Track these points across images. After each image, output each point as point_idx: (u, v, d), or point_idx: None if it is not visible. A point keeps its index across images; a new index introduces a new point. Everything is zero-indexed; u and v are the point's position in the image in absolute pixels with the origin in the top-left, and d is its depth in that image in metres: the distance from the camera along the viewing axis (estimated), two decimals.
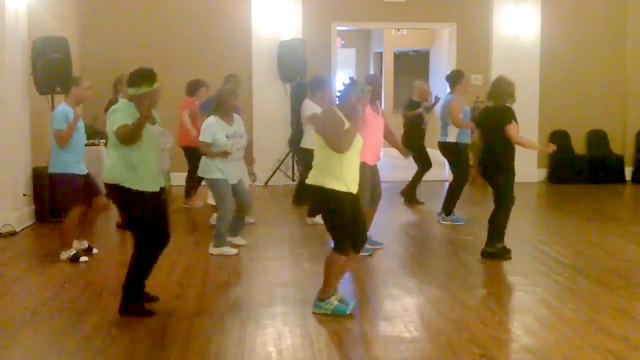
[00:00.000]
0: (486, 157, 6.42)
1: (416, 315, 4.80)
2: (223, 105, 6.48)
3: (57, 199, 6.70)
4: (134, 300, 4.79)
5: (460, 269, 6.13)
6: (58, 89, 7.59)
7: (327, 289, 4.83)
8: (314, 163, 4.81)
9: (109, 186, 4.80)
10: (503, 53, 11.20)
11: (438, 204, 8.36)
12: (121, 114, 4.64)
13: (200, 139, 6.46)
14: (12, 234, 7.29)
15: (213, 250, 6.53)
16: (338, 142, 4.61)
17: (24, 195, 7.74)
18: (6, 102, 7.41)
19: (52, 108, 7.39)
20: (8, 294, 5.37)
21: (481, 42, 11.34)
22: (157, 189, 4.81)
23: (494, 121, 6.31)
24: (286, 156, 10.73)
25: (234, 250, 6.54)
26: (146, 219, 4.73)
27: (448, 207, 7.95)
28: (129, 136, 4.52)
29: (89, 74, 10.25)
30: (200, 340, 4.30)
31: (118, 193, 4.74)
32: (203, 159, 6.54)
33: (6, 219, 7.31)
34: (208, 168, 6.47)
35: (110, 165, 4.77)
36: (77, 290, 5.40)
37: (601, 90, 11.56)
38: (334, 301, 4.81)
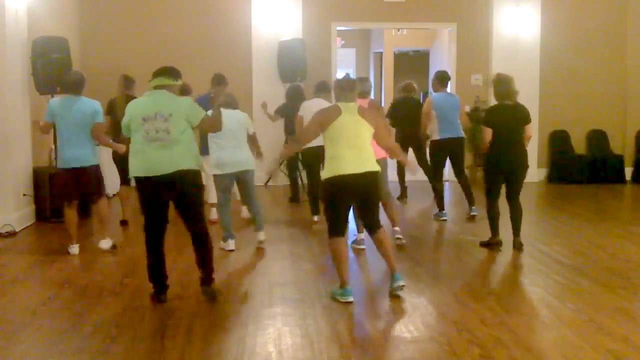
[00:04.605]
0: (514, 155, 6.45)
1: (416, 315, 4.79)
2: None
3: (99, 189, 6.58)
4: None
5: (460, 269, 6.13)
6: (58, 89, 7.59)
7: None
8: (362, 153, 4.97)
9: (189, 175, 4.91)
10: (503, 53, 11.21)
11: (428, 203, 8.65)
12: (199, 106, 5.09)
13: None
14: (12, 234, 7.29)
15: (262, 237, 6.80)
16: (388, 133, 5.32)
17: (24, 195, 7.74)
18: (6, 102, 7.42)
19: None
20: (8, 294, 5.37)
21: (481, 42, 11.35)
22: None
23: (518, 118, 6.43)
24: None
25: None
26: None
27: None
28: (216, 124, 5.13)
29: (89, 74, 10.26)
30: (200, 341, 4.30)
31: (198, 177, 5.02)
32: (252, 157, 6.64)
33: (6, 219, 7.32)
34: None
35: (182, 154, 4.86)
36: (77, 290, 5.40)
37: (601, 90, 11.57)
38: None
